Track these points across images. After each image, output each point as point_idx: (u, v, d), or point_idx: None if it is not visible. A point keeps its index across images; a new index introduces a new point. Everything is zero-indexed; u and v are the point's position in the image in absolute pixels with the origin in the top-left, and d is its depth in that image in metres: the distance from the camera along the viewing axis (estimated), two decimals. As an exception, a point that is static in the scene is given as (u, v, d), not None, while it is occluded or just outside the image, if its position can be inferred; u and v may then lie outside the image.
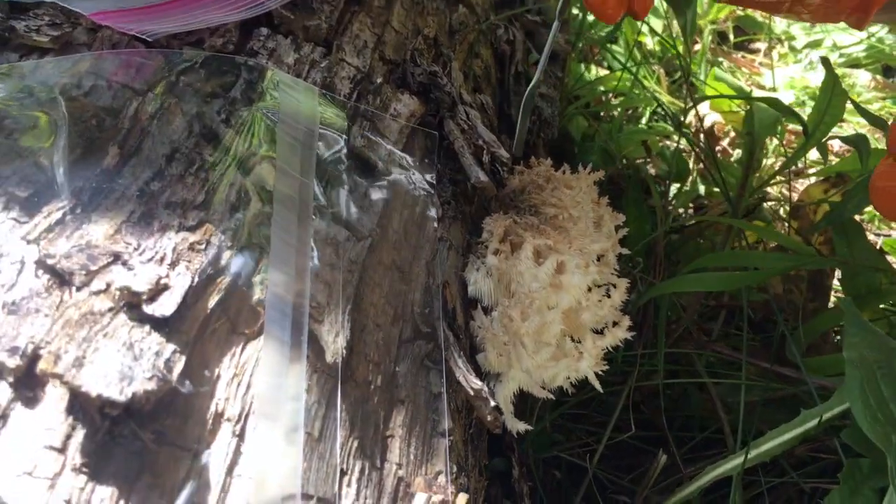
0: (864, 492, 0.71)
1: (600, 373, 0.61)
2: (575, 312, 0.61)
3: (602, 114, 1.24)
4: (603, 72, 1.32)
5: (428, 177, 0.65)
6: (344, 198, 0.56)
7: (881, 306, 0.89)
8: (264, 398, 0.43)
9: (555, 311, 0.59)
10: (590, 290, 0.62)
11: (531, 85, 0.72)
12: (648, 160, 1.20)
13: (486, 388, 0.55)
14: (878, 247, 1.06)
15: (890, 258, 1.03)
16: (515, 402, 0.62)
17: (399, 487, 0.49)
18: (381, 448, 0.50)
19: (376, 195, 0.59)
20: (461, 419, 0.58)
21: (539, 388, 0.60)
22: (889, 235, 1.10)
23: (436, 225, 0.64)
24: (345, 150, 0.58)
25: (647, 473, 0.81)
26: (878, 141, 1.20)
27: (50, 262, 0.41)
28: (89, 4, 0.56)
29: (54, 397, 0.37)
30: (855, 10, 0.63)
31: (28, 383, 0.37)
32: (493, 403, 0.56)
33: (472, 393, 0.55)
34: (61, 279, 0.41)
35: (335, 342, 0.49)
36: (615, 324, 0.65)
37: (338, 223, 0.55)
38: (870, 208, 1.20)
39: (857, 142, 0.80)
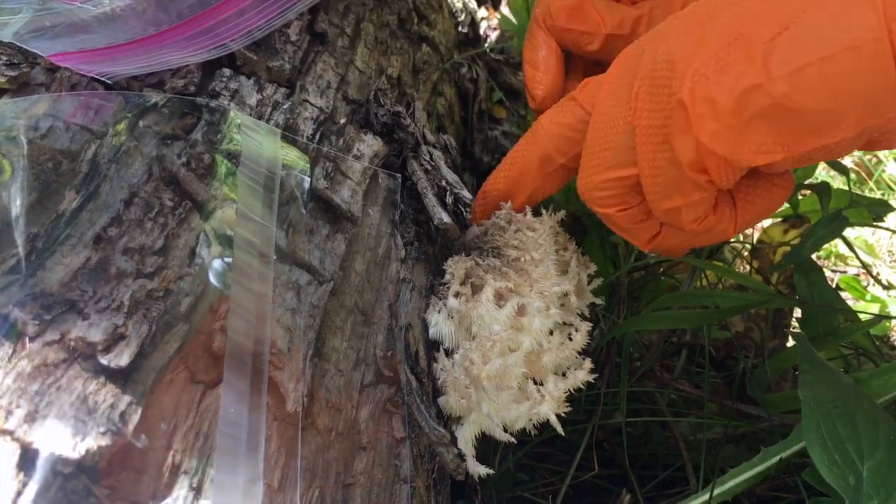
0: (826, 531, 0.71)
1: (562, 415, 0.61)
2: (536, 355, 0.61)
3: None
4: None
5: (391, 218, 0.65)
6: (306, 241, 0.56)
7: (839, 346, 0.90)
8: (222, 449, 0.42)
9: (516, 354, 0.59)
10: (551, 332, 0.62)
11: None
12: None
13: (448, 435, 0.55)
14: (834, 283, 1.08)
15: (845, 294, 1.04)
16: (477, 445, 0.61)
17: (360, 537, 0.48)
18: (343, 497, 0.49)
19: (339, 237, 0.59)
20: (424, 464, 0.58)
21: (501, 431, 0.60)
22: (845, 272, 1.12)
23: (399, 266, 0.63)
24: (307, 193, 0.58)
25: (611, 513, 0.81)
26: (836, 183, 1.23)
27: (2, 311, 0.40)
28: (48, 45, 0.55)
29: (5, 452, 0.36)
30: None
31: (-23, 439, 0.36)
32: (455, 450, 0.55)
33: (434, 439, 0.55)
34: (14, 329, 0.40)
35: (296, 389, 0.48)
36: (577, 367, 0.65)
37: (300, 267, 0.54)
38: (827, 246, 1.22)
39: (818, 189, 0.82)
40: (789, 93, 0.42)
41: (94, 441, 0.37)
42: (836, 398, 0.67)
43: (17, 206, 0.46)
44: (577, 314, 0.66)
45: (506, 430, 0.60)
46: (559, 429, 0.61)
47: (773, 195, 0.55)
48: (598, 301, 0.71)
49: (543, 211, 0.68)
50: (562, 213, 0.70)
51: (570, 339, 0.64)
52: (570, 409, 0.62)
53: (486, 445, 0.60)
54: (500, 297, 0.61)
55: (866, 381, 0.74)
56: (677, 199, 0.50)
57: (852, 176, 1.19)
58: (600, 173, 0.56)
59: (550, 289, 0.62)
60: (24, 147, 0.49)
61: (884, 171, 1.30)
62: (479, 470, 0.60)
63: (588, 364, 0.65)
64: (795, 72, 0.42)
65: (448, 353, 0.62)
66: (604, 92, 0.58)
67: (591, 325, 0.67)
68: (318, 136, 0.64)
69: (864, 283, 1.08)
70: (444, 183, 0.68)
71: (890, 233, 1.20)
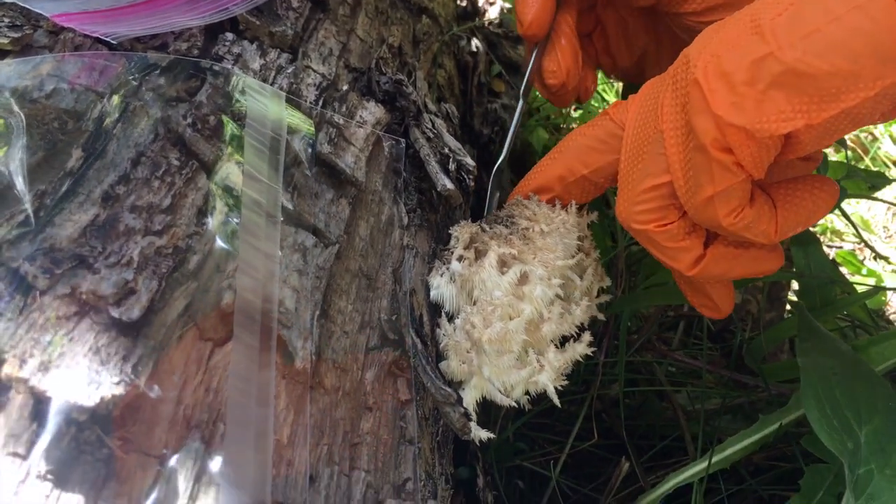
0: (824, 497, 0.72)
1: (559, 388, 0.62)
2: (536, 325, 0.62)
3: (562, 126, 1.25)
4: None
5: (395, 184, 0.65)
6: (311, 204, 0.56)
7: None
8: (234, 403, 0.42)
9: (517, 320, 0.59)
10: (552, 304, 0.63)
11: (498, 162, 0.73)
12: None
13: (454, 395, 0.55)
14: (830, 258, 1.08)
15: (842, 269, 1.05)
16: (478, 412, 0.62)
17: (368, 494, 0.49)
18: (350, 455, 0.49)
19: (343, 202, 0.59)
20: (428, 427, 0.58)
21: (501, 396, 0.60)
22: (841, 247, 1.13)
23: (402, 232, 0.64)
24: (311, 157, 0.58)
25: (610, 482, 0.82)
26: (831, 155, 1.23)
27: (13, 265, 0.40)
28: (51, 6, 0.55)
29: (18, 403, 0.36)
30: None
31: (-9, 388, 0.36)
32: (462, 409, 0.55)
33: (440, 399, 0.55)
34: (25, 282, 0.40)
35: (304, 348, 0.49)
36: (577, 338, 0.65)
37: (305, 229, 0.54)
38: (822, 222, 1.23)
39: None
40: (801, 57, 0.42)
41: (107, 390, 0.37)
42: (835, 365, 0.67)
43: (21, 164, 0.46)
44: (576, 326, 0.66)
45: (506, 396, 0.61)
46: (556, 400, 0.61)
47: (815, 199, 0.54)
48: (601, 317, 0.70)
49: (574, 204, 0.68)
50: (594, 215, 0.70)
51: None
52: (567, 382, 0.62)
53: (485, 417, 0.61)
54: (503, 264, 0.62)
55: (864, 349, 0.75)
56: (708, 188, 0.50)
57: (848, 154, 1.19)
58: (637, 185, 0.56)
59: (554, 261, 0.62)
60: (14, 106, 0.49)
61: (879, 147, 1.31)
62: (481, 434, 0.60)
63: (587, 337, 0.65)
64: (805, 37, 0.42)
65: (450, 319, 0.62)
66: (634, 106, 0.58)
67: (590, 301, 0.67)
68: (320, 103, 0.63)
69: (861, 258, 1.09)
70: (446, 150, 0.68)
71: (886, 207, 1.21)
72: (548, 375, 0.60)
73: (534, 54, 0.73)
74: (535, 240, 0.64)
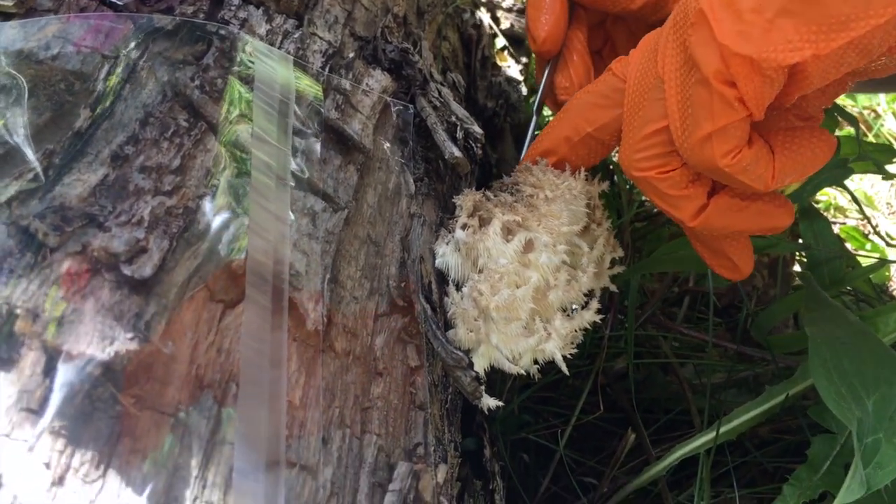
0: (831, 467, 0.72)
1: (568, 356, 0.61)
2: (543, 293, 0.61)
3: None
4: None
5: (401, 152, 0.65)
6: (319, 169, 0.55)
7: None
8: (247, 363, 0.42)
9: (525, 287, 0.59)
10: (559, 270, 0.62)
11: (531, 127, 0.73)
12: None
13: (465, 358, 0.55)
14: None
15: (846, 245, 1.05)
16: (485, 382, 0.61)
17: (379, 457, 0.48)
18: (361, 419, 0.49)
19: (351, 168, 0.59)
20: (438, 394, 0.58)
21: (509, 364, 0.59)
22: (844, 223, 1.13)
23: (409, 201, 0.63)
24: (320, 121, 0.57)
25: (615, 454, 0.82)
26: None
27: (23, 223, 0.40)
28: (56, -32, 0.54)
29: (31, 360, 0.36)
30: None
31: (4, 344, 0.36)
32: (473, 373, 0.55)
33: (451, 363, 0.55)
34: (35, 240, 0.40)
35: (315, 310, 0.48)
36: (584, 306, 0.65)
37: (314, 194, 0.54)
38: (825, 197, 1.23)
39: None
40: None
41: (121, 345, 0.37)
42: (842, 335, 0.67)
43: (26, 124, 0.45)
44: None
45: (514, 364, 0.60)
46: (564, 368, 0.61)
47: (814, 148, 0.53)
48: (613, 288, 0.70)
49: (584, 172, 0.67)
50: (605, 185, 0.69)
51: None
52: (576, 350, 0.62)
53: (490, 390, 0.60)
54: (507, 232, 0.61)
55: (871, 319, 0.74)
56: (706, 125, 0.49)
57: (851, 131, 1.19)
58: (637, 132, 0.55)
59: (559, 227, 0.62)
60: (34, 67, 0.48)
61: (882, 125, 1.30)
62: (489, 402, 0.60)
63: (595, 304, 0.65)
64: None
65: (457, 287, 0.62)
66: (636, 57, 0.58)
67: (597, 266, 0.67)
68: (326, 70, 0.63)
69: (865, 233, 1.09)
70: (453, 118, 0.68)
71: (890, 184, 1.21)
72: (555, 343, 0.60)
73: (546, 71, 0.72)
74: (539, 207, 0.63)
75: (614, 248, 0.69)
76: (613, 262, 0.69)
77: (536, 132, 0.71)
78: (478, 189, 0.67)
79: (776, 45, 0.44)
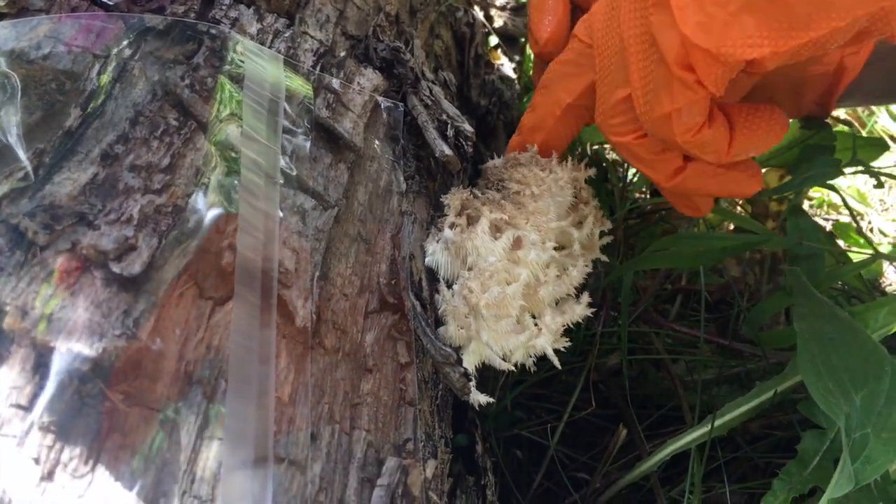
0: (821, 463, 0.73)
1: (562, 349, 0.62)
2: (534, 289, 0.62)
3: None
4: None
5: (392, 151, 0.65)
6: (309, 167, 0.56)
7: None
8: (235, 359, 0.43)
9: (515, 284, 0.59)
10: (548, 266, 0.63)
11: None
12: (607, 145, 1.21)
13: (454, 354, 0.55)
14: (828, 230, 1.09)
15: (840, 242, 1.05)
16: (477, 379, 0.62)
17: (368, 453, 0.49)
18: (350, 415, 0.50)
19: (341, 167, 0.59)
20: (428, 390, 0.58)
21: (500, 360, 0.60)
22: (837, 220, 1.13)
23: (400, 199, 0.63)
24: (310, 120, 0.58)
25: (607, 450, 0.82)
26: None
27: (13, 221, 0.40)
28: (47, -32, 0.54)
29: (21, 356, 0.36)
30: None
31: (-7, 340, 0.36)
32: (461, 369, 0.56)
33: (440, 359, 0.55)
34: (25, 238, 0.40)
35: (304, 307, 0.49)
36: (575, 300, 0.65)
37: (304, 192, 0.54)
38: (818, 194, 1.23)
39: (811, 125, 0.82)
40: None
41: (109, 342, 0.37)
42: (831, 330, 0.68)
43: (18, 123, 0.46)
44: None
45: (505, 360, 0.61)
46: (556, 362, 0.61)
47: (770, 127, 0.54)
48: (604, 258, 0.71)
49: (570, 159, 0.68)
50: (592, 171, 0.70)
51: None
52: (569, 343, 0.63)
53: (482, 387, 0.61)
54: (496, 229, 0.62)
55: (860, 315, 0.75)
56: (666, 104, 0.49)
57: (845, 129, 1.19)
58: (609, 98, 0.56)
59: (547, 223, 0.62)
60: (25, 67, 0.49)
61: (876, 122, 1.31)
62: (480, 398, 0.60)
63: (586, 298, 0.65)
64: None
65: (447, 285, 0.62)
66: (597, 21, 0.58)
67: (588, 262, 0.67)
68: (318, 69, 0.63)
69: (859, 229, 1.09)
70: (444, 117, 0.68)
71: (883, 180, 1.21)
72: (546, 339, 0.60)
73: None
74: (526, 204, 0.63)
75: (602, 223, 0.70)
76: (602, 234, 0.70)
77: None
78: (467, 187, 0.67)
79: (735, 41, 0.44)
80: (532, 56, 1.11)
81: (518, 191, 0.65)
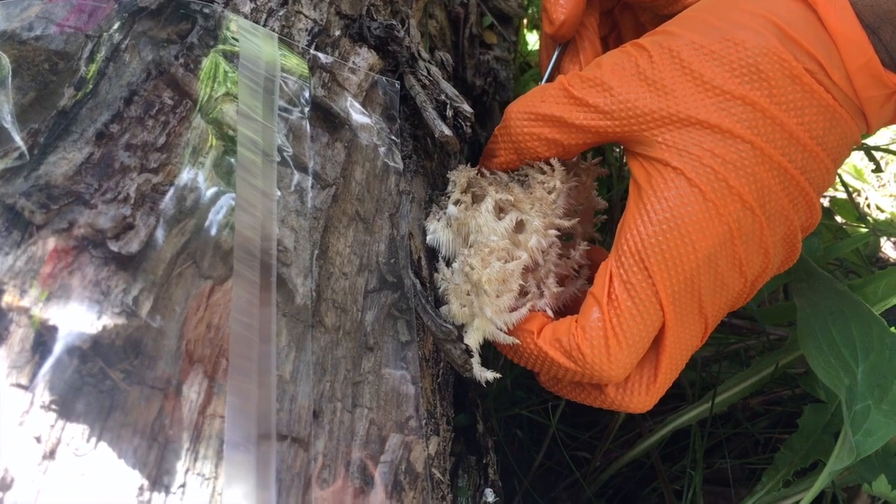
0: (822, 436, 0.73)
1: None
2: (533, 271, 0.61)
3: (555, 81, 1.24)
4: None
5: (389, 130, 0.65)
6: (306, 146, 0.56)
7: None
8: (237, 338, 0.42)
9: (516, 262, 0.59)
10: (547, 253, 0.62)
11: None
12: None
13: (455, 331, 0.55)
14: (825, 206, 1.09)
15: (837, 219, 1.05)
16: (481, 354, 0.61)
17: (371, 430, 0.49)
18: (353, 393, 0.49)
19: (338, 146, 0.59)
20: (429, 368, 0.58)
21: (504, 335, 0.59)
22: (834, 196, 1.13)
23: (398, 178, 0.63)
24: (306, 98, 0.57)
25: (608, 428, 0.82)
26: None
27: (8, 201, 0.40)
28: (37, -52, 0.54)
29: (20, 336, 0.36)
30: None
31: (-8, 320, 0.36)
32: (462, 346, 0.55)
33: (441, 336, 0.55)
34: (21, 218, 0.40)
35: (304, 285, 0.48)
36: (576, 275, 0.65)
37: (302, 171, 0.54)
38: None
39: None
40: None
41: (109, 320, 0.37)
42: (831, 304, 0.68)
43: (11, 104, 0.45)
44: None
45: (509, 334, 0.60)
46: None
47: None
48: (598, 237, 0.70)
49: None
50: (603, 172, 0.69)
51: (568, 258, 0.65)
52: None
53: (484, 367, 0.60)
54: (500, 210, 0.61)
55: (859, 289, 0.75)
56: None
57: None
58: None
59: (553, 217, 0.61)
60: (18, 48, 0.48)
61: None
62: (486, 375, 0.60)
63: (586, 271, 0.65)
64: None
65: (447, 264, 0.62)
66: None
67: (588, 243, 0.67)
68: (312, 48, 0.63)
69: (855, 205, 1.09)
70: (443, 97, 0.68)
71: (879, 156, 1.21)
72: (548, 301, 0.60)
73: (556, 54, 0.71)
74: (534, 188, 0.63)
75: (597, 202, 0.70)
76: (597, 214, 0.70)
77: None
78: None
79: None
80: (525, 34, 1.10)
81: (527, 174, 0.64)
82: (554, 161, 0.62)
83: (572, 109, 0.56)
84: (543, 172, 0.63)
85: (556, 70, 0.72)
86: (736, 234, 0.50)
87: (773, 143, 0.50)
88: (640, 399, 0.56)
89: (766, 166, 0.50)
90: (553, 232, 0.61)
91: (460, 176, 0.62)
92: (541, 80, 0.73)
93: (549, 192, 0.61)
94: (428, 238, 0.62)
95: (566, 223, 0.62)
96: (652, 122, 0.52)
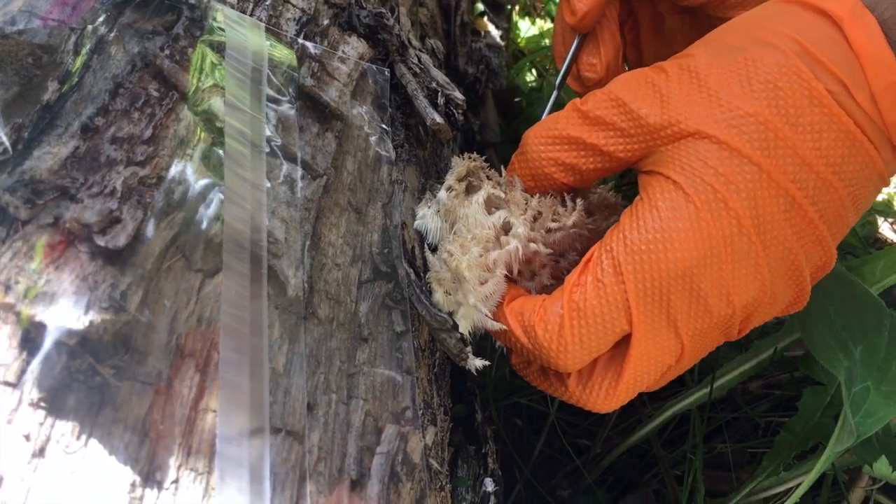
0: (822, 419, 0.73)
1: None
2: (529, 262, 0.60)
3: (549, 67, 1.23)
4: (548, 25, 1.31)
5: (381, 119, 0.64)
6: (296, 137, 0.55)
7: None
8: (228, 331, 0.42)
9: (497, 252, 0.57)
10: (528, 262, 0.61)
11: (551, 102, 0.71)
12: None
13: (450, 320, 0.55)
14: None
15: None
16: (471, 343, 0.60)
17: (366, 422, 0.48)
18: (347, 384, 0.49)
19: (329, 136, 0.58)
20: (424, 359, 0.58)
21: (491, 321, 0.58)
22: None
23: (390, 168, 0.63)
24: (295, 88, 0.57)
25: (607, 415, 0.82)
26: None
27: (-8, 196, 0.39)
28: (18, -59, 0.53)
29: (6, 333, 0.36)
30: None
31: (-24, 317, 0.36)
32: (458, 335, 0.55)
33: (436, 325, 0.54)
34: (6, 213, 0.39)
35: (296, 276, 0.48)
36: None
37: (292, 161, 0.53)
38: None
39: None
40: None
41: (97, 315, 0.37)
42: (829, 285, 0.67)
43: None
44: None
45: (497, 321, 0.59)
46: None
47: None
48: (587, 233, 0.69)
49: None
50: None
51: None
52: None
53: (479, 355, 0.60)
54: (490, 204, 0.60)
55: (857, 269, 0.74)
56: None
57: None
58: None
59: (539, 231, 0.60)
60: (0, 42, 0.48)
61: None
62: (476, 363, 0.59)
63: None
64: None
65: (433, 251, 0.61)
66: None
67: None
68: (301, 37, 0.62)
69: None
70: (434, 85, 0.67)
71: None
72: (534, 286, 0.59)
73: (573, 46, 0.69)
74: (531, 198, 0.61)
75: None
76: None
77: (556, 108, 0.68)
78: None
79: None
80: (518, 22, 1.10)
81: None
82: (579, 203, 0.60)
83: (589, 129, 0.55)
84: (564, 206, 0.61)
85: (574, 63, 0.70)
86: (724, 255, 0.48)
87: (783, 167, 0.48)
88: (600, 400, 0.55)
89: (771, 191, 0.48)
90: (533, 246, 0.59)
91: (460, 163, 0.61)
92: (556, 74, 0.70)
93: (554, 221, 0.60)
94: (416, 223, 0.61)
95: (544, 250, 0.60)
96: (664, 136, 0.51)
